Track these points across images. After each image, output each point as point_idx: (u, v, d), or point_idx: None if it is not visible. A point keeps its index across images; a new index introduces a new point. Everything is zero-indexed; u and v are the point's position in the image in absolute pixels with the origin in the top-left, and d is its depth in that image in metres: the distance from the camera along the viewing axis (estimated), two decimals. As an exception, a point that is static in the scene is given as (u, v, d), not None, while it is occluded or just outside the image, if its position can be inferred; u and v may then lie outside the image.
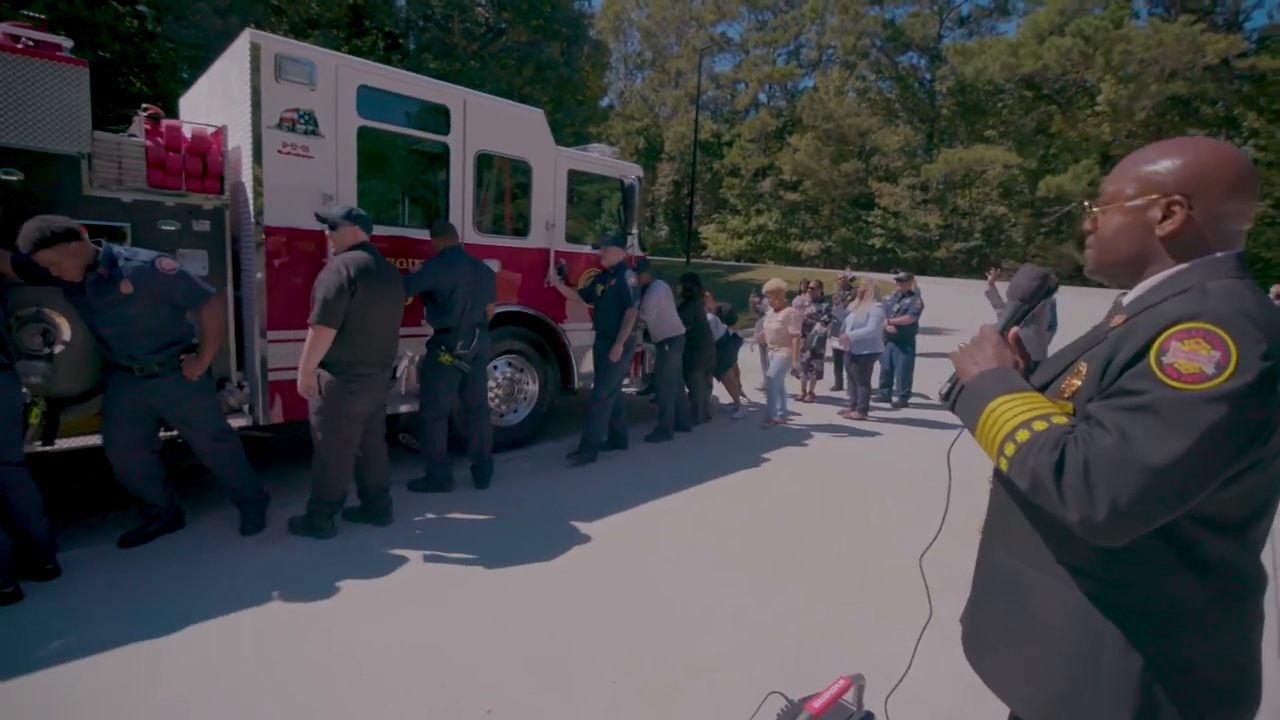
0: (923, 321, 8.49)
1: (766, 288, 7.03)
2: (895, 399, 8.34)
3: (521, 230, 5.44)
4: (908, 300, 8.15)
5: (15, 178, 3.39)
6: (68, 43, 3.55)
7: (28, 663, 2.56)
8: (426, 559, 3.66)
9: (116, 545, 3.55)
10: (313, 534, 3.79)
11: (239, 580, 3.28)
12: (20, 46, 3.38)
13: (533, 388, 5.64)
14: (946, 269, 40.90)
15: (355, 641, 2.82)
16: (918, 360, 8.42)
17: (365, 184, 4.45)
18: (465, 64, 26.31)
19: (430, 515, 4.25)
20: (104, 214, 3.69)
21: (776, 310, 6.89)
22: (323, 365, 3.62)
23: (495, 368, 5.34)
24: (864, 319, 7.25)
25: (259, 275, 4.02)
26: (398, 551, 3.72)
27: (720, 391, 7.83)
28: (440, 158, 4.83)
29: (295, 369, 4.21)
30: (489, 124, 5.02)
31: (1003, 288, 6.98)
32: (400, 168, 4.86)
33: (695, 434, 6.55)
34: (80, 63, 3.55)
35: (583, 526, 4.19)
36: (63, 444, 3.57)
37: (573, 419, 6.67)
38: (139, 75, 16.12)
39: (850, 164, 43.90)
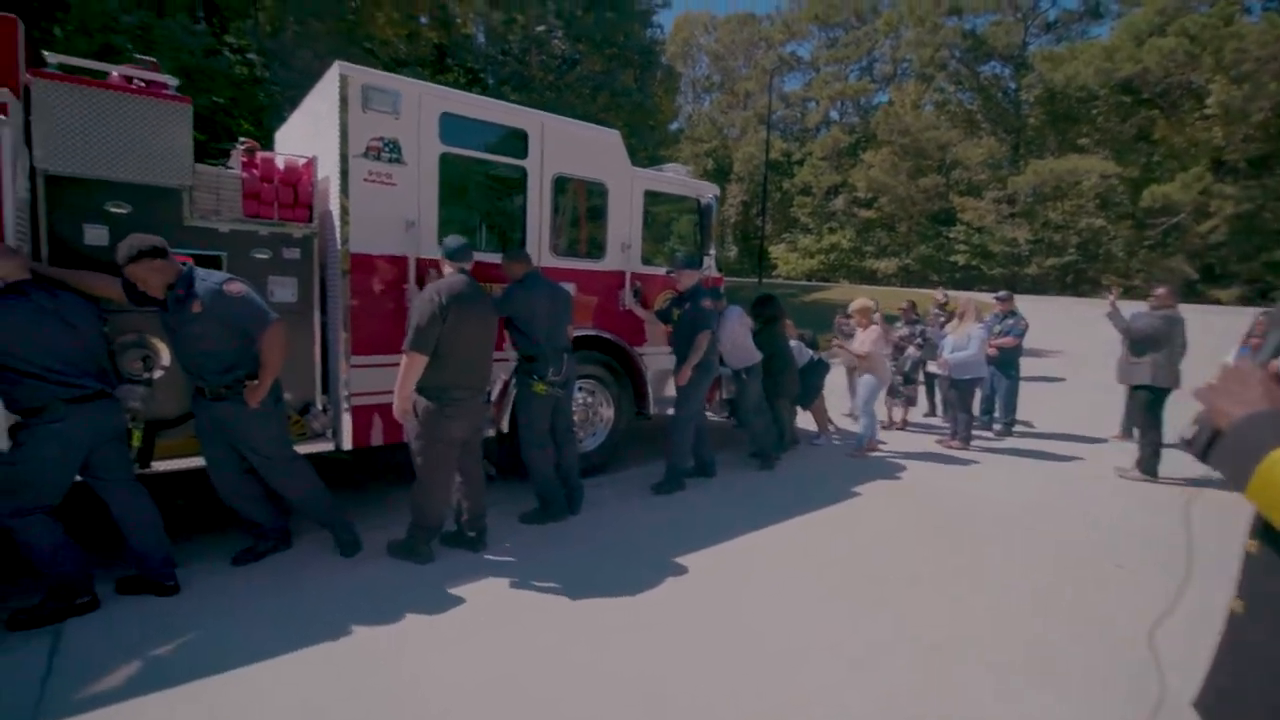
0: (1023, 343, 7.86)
1: (853, 306, 6.66)
2: (998, 427, 7.73)
3: (597, 253, 5.35)
4: (1010, 321, 7.55)
5: (124, 210, 3.55)
6: (173, 82, 3.73)
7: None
8: (514, 585, 3.57)
9: (230, 563, 3.65)
10: (411, 558, 3.78)
11: (325, 602, 3.26)
12: (133, 86, 3.56)
13: (607, 413, 5.50)
14: (1038, 286, 38.56)
15: (429, 671, 2.70)
16: (1021, 385, 7.77)
17: (446, 210, 4.46)
18: (542, 95, 27.14)
19: (521, 541, 4.18)
20: (202, 243, 3.82)
21: (864, 329, 6.49)
22: (419, 390, 3.64)
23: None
24: (965, 341, 6.73)
25: (343, 301, 4.07)
26: (487, 579, 3.63)
27: (806, 419, 7.45)
28: (518, 181, 4.81)
29: (376, 394, 4.27)
30: (566, 147, 4.98)
31: (1124, 306, 6.34)
32: (479, 192, 4.88)
33: (783, 462, 6.22)
34: (184, 100, 3.71)
35: (673, 556, 4.00)
36: (161, 466, 3.68)
37: (652, 445, 6.48)
38: (248, 117, 17.45)
39: (929, 179, 42.37)
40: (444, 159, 4.39)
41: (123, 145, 3.51)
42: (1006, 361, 7.55)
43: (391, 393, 4.28)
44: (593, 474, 5.36)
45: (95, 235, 3.51)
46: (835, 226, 45.96)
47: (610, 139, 5.27)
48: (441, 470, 3.74)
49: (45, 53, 3.44)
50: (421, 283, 4.30)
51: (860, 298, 6.77)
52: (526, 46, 29.90)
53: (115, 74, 3.79)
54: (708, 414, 6.07)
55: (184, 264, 3.35)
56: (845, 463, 6.33)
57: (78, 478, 3.11)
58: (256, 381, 3.43)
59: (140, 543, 3.26)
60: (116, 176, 3.51)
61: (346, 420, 4.15)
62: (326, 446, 4.18)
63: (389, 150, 4.14)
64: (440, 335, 3.56)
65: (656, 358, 5.76)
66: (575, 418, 5.29)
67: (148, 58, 4.08)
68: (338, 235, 4.05)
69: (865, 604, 3.46)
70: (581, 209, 5.30)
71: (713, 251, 5.90)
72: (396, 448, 4.37)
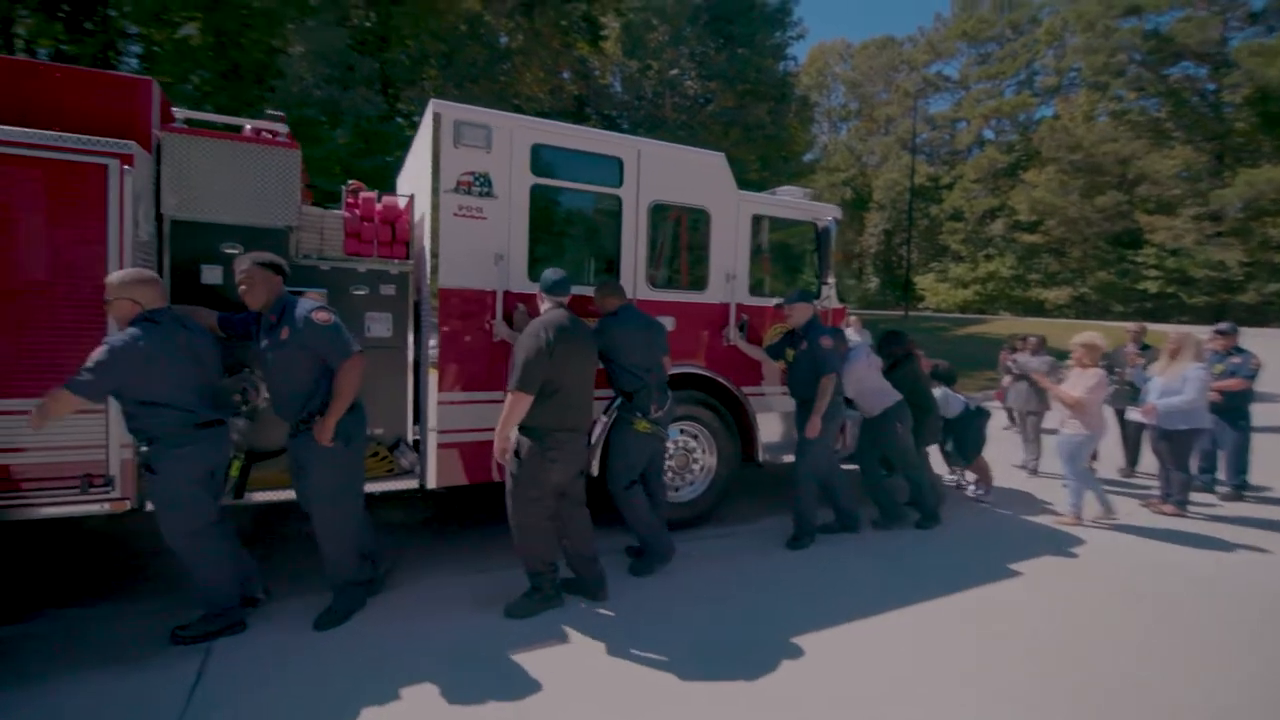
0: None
1: (1079, 340, 5.40)
2: (1224, 489, 6.25)
3: (699, 284, 4.96)
4: (1236, 360, 6.08)
5: (236, 250, 3.73)
6: (283, 128, 3.92)
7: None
8: (613, 652, 3.23)
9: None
10: (542, 608, 3.58)
11: (421, 662, 3.05)
12: (246, 135, 3.78)
13: (709, 459, 5.02)
14: (1256, 316, 32.40)
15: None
16: (1253, 437, 6.23)
17: (537, 242, 4.33)
18: (674, 134, 27.70)
19: (631, 593, 3.88)
20: (306, 280, 3.94)
21: (1083, 369, 5.30)
22: (521, 430, 3.47)
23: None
24: (1179, 384, 5.44)
25: (433, 337, 4.01)
26: (586, 637, 3.35)
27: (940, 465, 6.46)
28: (613, 211, 4.59)
29: (463, 431, 4.15)
30: (664, 172, 4.69)
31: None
32: (572, 224, 4.72)
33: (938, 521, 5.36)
34: (293, 145, 3.89)
35: (807, 626, 3.49)
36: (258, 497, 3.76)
37: (764, 493, 5.89)
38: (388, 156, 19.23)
39: (1107, 197, 37.57)
40: (535, 191, 4.27)
41: (237, 190, 3.72)
42: (1234, 409, 6.06)
43: (479, 431, 4.20)
44: (688, 526, 4.89)
45: (211, 275, 3.71)
46: (993, 253, 42.01)
47: (713, 161, 4.92)
48: (536, 515, 3.51)
49: (175, 109, 3.74)
50: (509, 319, 4.16)
51: (1089, 332, 5.54)
52: (661, 90, 30.79)
53: (249, 127, 4.07)
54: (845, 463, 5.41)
55: (291, 294, 3.41)
56: (1017, 525, 5.35)
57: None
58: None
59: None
60: (231, 220, 3.72)
61: (432, 458, 4.05)
62: (410, 484, 4.10)
63: (479, 184, 4.08)
64: (547, 373, 3.39)
65: (765, 398, 5.22)
66: (672, 463, 4.88)
67: (277, 112, 4.36)
68: (427, 270, 4.03)
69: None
70: (682, 238, 4.96)
71: (831, 280, 5.29)
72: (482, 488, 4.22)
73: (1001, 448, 7.22)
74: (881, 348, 5.58)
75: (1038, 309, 38.34)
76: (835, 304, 5.54)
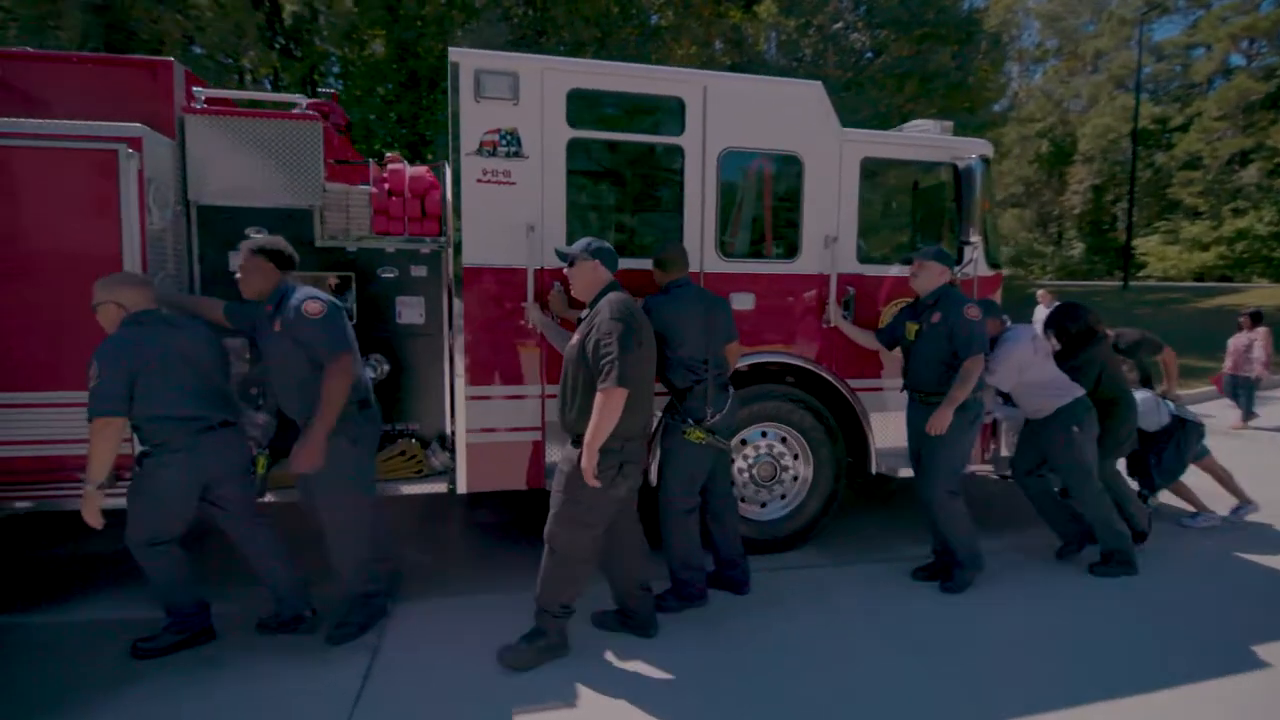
0: None
1: None
2: None
3: (788, 250, 3.98)
4: None
5: (260, 234, 3.50)
6: (302, 100, 3.63)
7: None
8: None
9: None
10: (545, 657, 2.90)
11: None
12: (263, 110, 3.53)
13: (803, 470, 4.04)
14: None
15: None
16: None
17: (577, 210, 3.66)
18: (837, 95, 25.54)
19: (693, 639, 3.13)
20: (333, 264, 3.65)
21: None
22: (576, 441, 2.82)
23: (744, 440, 3.95)
24: None
25: (457, 322, 3.52)
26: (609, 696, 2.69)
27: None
28: (673, 165, 3.77)
29: (498, 431, 3.63)
30: (739, 112, 3.76)
31: None
32: (622, 184, 3.98)
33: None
34: (313, 118, 3.58)
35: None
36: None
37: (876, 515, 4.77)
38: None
39: None
40: (574, 146, 3.59)
41: (257, 169, 3.49)
42: None
43: (515, 431, 3.66)
44: (775, 551, 3.99)
45: (237, 261, 3.52)
46: (1244, 207, 33.80)
47: (806, 93, 3.88)
48: (587, 545, 2.85)
49: (195, 89, 3.58)
50: (541, 300, 3.55)
51: None
52: (823, 48, 28.46)
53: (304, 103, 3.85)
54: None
55: (289, 283, 3.05)
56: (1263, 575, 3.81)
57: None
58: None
59: (270, 578, 3.07)
60: (255, 203, 3.50)
61: (462, 460, 3.58)
62: (440, 488, 3.66)
63: (506, 143, 3.49)
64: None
65: (881, 395, 4.12)
66: (755, 473, 3.99)
67: (328, 89, 4.11)
68: (451, 247, 3.54)
69: None
70: (766, 193, 4.00)
71: (976, 239, 4.00)
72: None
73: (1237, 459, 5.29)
74: (1056, 324, 4.18)
75: (1311, 273, 30.21)
76: (985, 270, 4.23)
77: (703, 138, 3.73)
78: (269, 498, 3.39)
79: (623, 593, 3.15)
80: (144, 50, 16.72)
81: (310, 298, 2.89)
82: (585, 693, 2.70)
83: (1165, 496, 4.74)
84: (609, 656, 2.97)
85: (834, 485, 4.04)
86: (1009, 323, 3.95)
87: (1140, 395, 4.28)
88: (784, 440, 4.01)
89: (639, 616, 3.14)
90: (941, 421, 3.41)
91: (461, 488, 3.60)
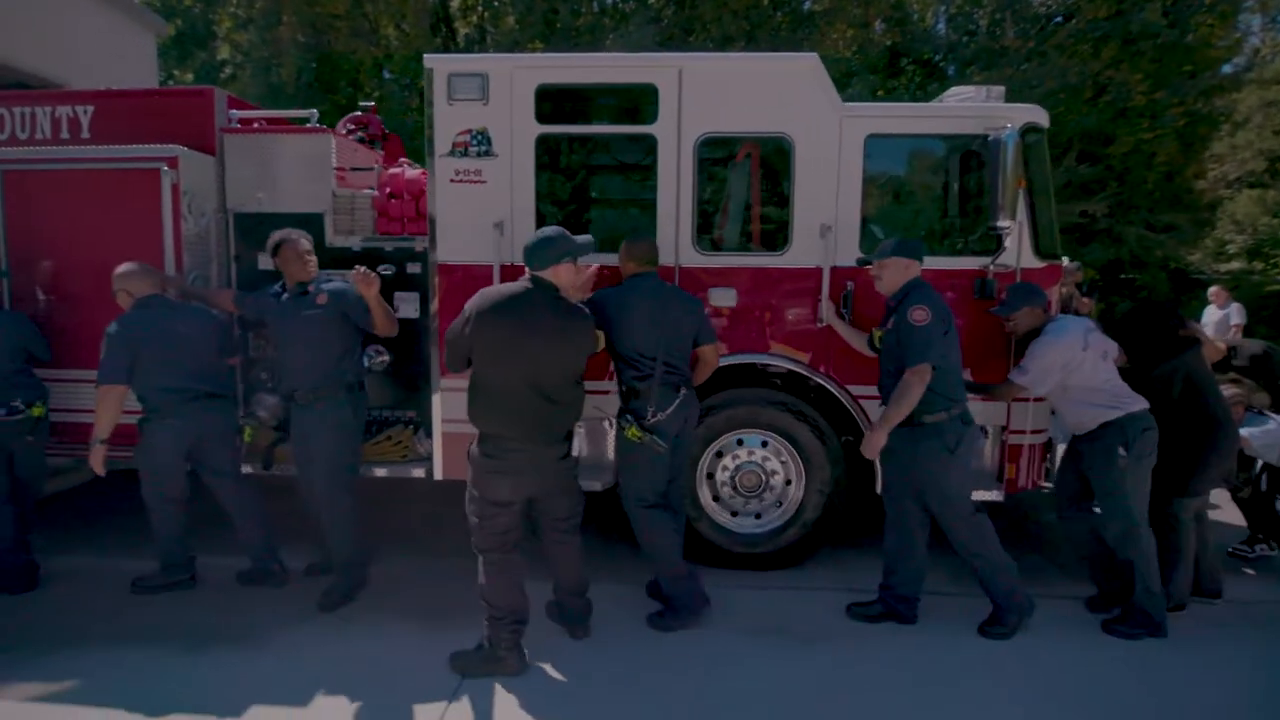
0: None
1: None
2: None
3: (775, 242, 3.62)
4: None
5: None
6: (313, 114, 4.02)
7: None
8: None
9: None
10: (486, 664, 2.84)
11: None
12: (260, 126, 3.97)
13: (793, 489, 3.67)
14: None
15: None
16: None
17: (547, 206, 3.65)
18: (1018, 68, 22.72)
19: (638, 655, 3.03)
20: (339, 263, 3.99)
21: None
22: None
23: (719, 454, 3.68)
24: None
25: (434, 318, 3.70)
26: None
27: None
28: (647, 155, 3.61)
29: (466, 421, 3.75)
30: (718, 94, 3.49)
31: None
32: (596, 178, 3.87)
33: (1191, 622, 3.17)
34: (324, 130, 3.96)
35: None
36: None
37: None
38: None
39: None
40: (543, 143, 3.58)
41: (277, 180, 3.94)
42: None
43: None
44: (757, 568, 3.67)
45: (266, 262, 4.00)
46: None
47: (797, 68, 3.49)
48: (489, 539, 2.84)
49: (232, 112, 4.11)
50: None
51: None
52: (1000, 17, 25.37)
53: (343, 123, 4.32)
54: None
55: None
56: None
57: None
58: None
59: (246, 536, 3.54)
60: (276, 208, 3.96)
61: (438, 448, 3.76)
62: (419, 473, 3.87)
63: (477, 143, 3.58)
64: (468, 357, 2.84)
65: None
66: (739, 482, 3.71)
67: (368, 103, 4.53)
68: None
69: None
70: (753, 179, 3.67)
71: (1007, 223, 3.32)
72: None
73: None
74: (1131, 325, 3.37)
75: None
76: (1033, 260, 3.52)
77: (678, 125, 3.52)
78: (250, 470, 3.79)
79: (559, 592, 3.15)
80: (345, 79, 19.45)
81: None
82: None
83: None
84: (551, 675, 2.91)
85: (828, 502, 3.62)
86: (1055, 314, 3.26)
87: (1265, 422, 3.31)
88: (765, 445, 3.67)
89: (571, 613, 3.14)
90: (871, 445, 3.00)
91: (438, 474, 3.79)
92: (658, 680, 2.81)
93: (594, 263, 3.24)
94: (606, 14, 20.01)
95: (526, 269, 2.82)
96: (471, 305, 2.75)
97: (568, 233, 2.81)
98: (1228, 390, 3.39)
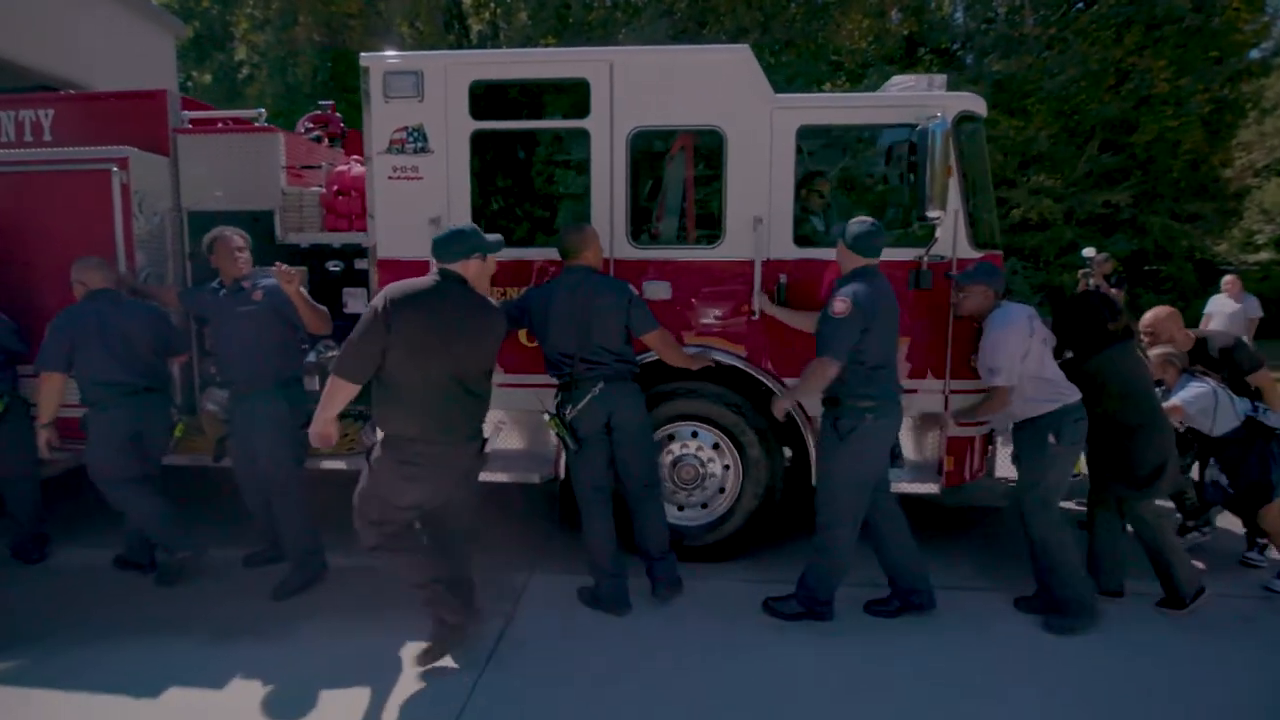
0: None
1: None
2: None
3: (709, 235, 3.61)
4: None
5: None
6: (261, 114, 4.10)
7: None
8: None
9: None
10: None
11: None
12: (220, 125, 4.05)
13: (727, 475, 3.66)
14: None
15: None
16: None
17: (483, 201, 3.67)
18: (1038, 55, 22.17)
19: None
20: (290, 259, 4.06)
21: None
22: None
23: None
24: None
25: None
26: None
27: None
28: (581, 150, 3.62)
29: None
30: (650, 87, 3.48)
31: None
32: (530, 172, 3.88)
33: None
34: (272, 130, 4.04)
35: None
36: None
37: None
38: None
39: None
40: (478, 138, 3.61)
41: (228, 178, 4.03)
42: None
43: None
44: (701, 560, 3.67)
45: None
46: None
47: (729, 59, 3.47)
48: (390, 537, 2.83)
49: (185, 112, 4.20)
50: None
51: None
52: (1019, 3, 24.77)
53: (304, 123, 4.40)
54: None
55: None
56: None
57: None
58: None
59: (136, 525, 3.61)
60: (228, 206, 4.04)
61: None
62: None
63: (413, 140, 3.62)
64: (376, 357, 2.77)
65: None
66: (676, 476, 3.71)
67: (327, 101, 4.61)
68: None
69: None
70: (687, 173, 3.65)
71: (937, 214, 3.25)
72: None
73: None
74: (1065, 320, 3.29)
75: None
76: (969, 251, 3.45)
77: (610, 119, 3.52)
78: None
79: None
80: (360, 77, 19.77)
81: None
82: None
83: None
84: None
85: (766, 494, 3.61)
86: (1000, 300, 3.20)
87: (1194, 388, 3.22)
88: (716, 446, 3.67)
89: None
90: (777, 406, 3.14)
91: (379, 466, 3.84)
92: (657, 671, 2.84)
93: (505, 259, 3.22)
94: (619, 8, 19.96)
95: (433, 262, 2.83)
96: (382, 301, 2.60)
97: (479, 229, 2.83)
98: (1155, 351, 3.32)
